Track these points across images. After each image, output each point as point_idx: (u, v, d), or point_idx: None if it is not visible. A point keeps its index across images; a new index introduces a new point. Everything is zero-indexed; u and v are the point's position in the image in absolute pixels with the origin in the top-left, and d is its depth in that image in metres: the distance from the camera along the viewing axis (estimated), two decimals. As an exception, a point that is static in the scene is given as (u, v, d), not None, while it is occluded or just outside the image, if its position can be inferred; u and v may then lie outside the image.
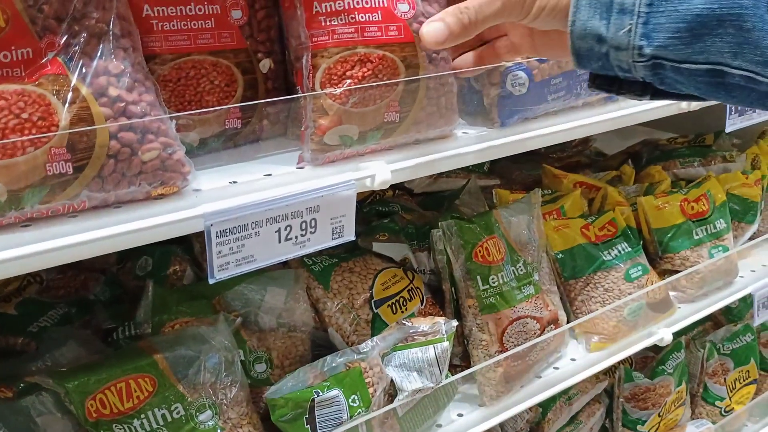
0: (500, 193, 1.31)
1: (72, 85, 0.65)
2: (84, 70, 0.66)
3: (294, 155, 0.85)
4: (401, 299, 1.06)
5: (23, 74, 0.64)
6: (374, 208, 1.30)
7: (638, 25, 0.67)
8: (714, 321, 1.73)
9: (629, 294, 1.25)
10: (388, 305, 1.05)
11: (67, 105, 0.64)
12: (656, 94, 0.75)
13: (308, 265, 1.05)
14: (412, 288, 1.09)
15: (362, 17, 0.81)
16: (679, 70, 0.67)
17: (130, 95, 0.68)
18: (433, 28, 0.75)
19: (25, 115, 0.62)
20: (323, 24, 0.80)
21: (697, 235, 1.38)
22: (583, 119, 1.01)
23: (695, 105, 1.14)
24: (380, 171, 0.82)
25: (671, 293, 1.38)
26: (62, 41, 0.66)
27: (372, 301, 1.05)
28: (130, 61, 0.69)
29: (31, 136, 0.62)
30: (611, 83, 0.76)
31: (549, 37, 0.79)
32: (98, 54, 0.67)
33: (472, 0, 0.74)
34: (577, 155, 1.75)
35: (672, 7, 0.65)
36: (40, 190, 0.63)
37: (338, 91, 0.79)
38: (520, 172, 1.55)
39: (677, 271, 1.38)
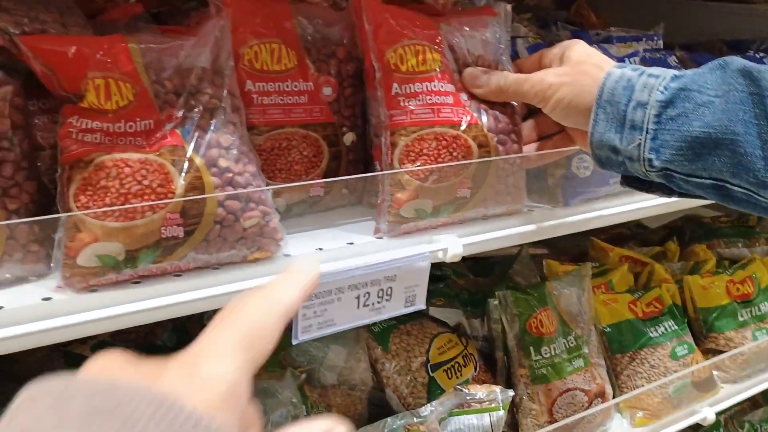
0: (550, 264, 1.34)
1: (188, 155, 0.71)
2: (198, 142, 0.72)
3: (370, 224, 0.90)
4: (456, 365, 1.09)
5: (144, 143, 0.71)
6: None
7: (647, 140, 0.74)
8: (752, 401, 1.72)
9: (675, 372, 1.27)
10: (444, 370, 1.08)
11: (183, 174, 0.70)
12: (682, 195, 0.80)
13: (369, 326, 1.09)
14: (466, 354, 1.12)
15: (438, 99, 0.87)
16: (687, 181, 0.74)
17: (236, 166, 0.74)
18: (474, 73, 0.88)
19: (146, 182, 0.68)
20: (402, 104, 0.86)
21: (741, 316, 1.40)
22: (641, 202, 1.05)
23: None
24: (452, 244, 0.87)
25: (714, 372, 1.39)
26: (180, 114, 0.73)
27: (428, 365, 1.08)
28: (238, 135, 0.75)
29: (151, 202, 0.67)
30: (641, 183, 0.82)
31: None
32: (211, 127, 0.73)
33: (512, 74, 0.87)
34: (619, 227, 1.78)
35: (676, 127, 0.72)
36: (154, 251, 0.69)
37: (419, 168, 0.85)
38: (567, 241, 1.59)
39: (721, 351, 1.39)
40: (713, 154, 0.71)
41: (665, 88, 0.74)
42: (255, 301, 0.36)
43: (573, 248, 1.57)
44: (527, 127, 0.94)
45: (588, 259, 1.52)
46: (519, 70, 0.91)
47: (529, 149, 0.94)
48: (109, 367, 0.33)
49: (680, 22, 1.60)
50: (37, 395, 0.30)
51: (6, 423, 0.29)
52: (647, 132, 0.74)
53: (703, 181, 0.73)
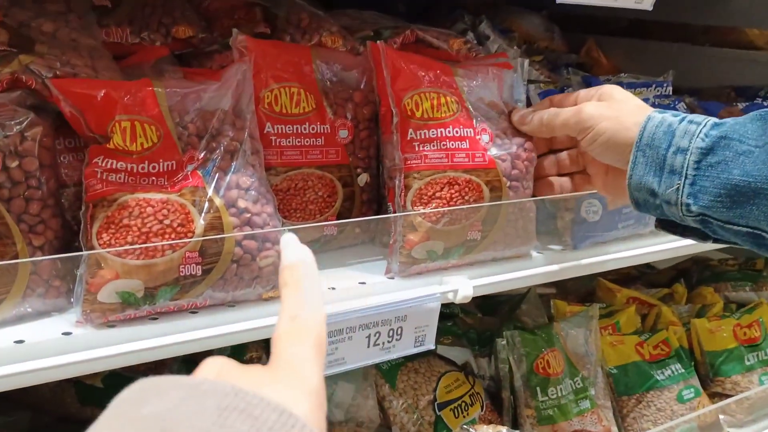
0: (557, 305, 1.35)
1: (208, 196, 0.73)
2: (219, 183, 0.74)
3: (381, 263, 0.92)
4: (463, 404, 1.10)
5: (166, 183, 0.73)
6: (435, 309, 1.35)
7: (686, 185, 0.76)
8: (759, 446, 1.71)
9: (681, 415, 1.27)
10: (451, 409, 1.09)
11: (203, 214, 0.72)
12: (717, 240, 0.81)
13: (377, 363, 1.10)
14: (473, 393, 1.13)
15: (452, 144, 0.89)
16: (724, 228, 0.75)
17: (255, 207, 0.76)
18: (521, 113, 0.92)
19: (167, 222, 0.70)
20: (416, 149, 0.88)
21: (748, 360, 1.40)
22: (651, 246, 1.06)
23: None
24: (463, 286, 0.88)
25: (721, 416, 1.39)
26: (201, 156, 0.75)
27: (435, 404, 1.09)
28: (257, 176, 0.78)
29: (172, 241, 0.69)
30: (675, 227, 0.83)
31: (618, 181, 0.87)
32: (231, 169, 0.76)
33: (554, 108, 0.89)
34: (626, 267, 1.79)
35: (715, 174, 0.74)
36: (173, 288, 0.71)
37: (431, 211, 0.87)
38: (574, 281, 1.60)
39: (727, 395, 1.39)
40: (751, 202, 0.72)
41: (706, 135, 0.75)
42: (310, 314, 0.40)
43: (580, 288, 1.58)
44: (549, 164, 0.96)
45: (595, 300, 1.53)
46: (553, 107, 0.92)
47: (548, 184, 0.95)
48: (225, 373, 0.37)
49: (687, 67, 1.62)
50: (164, 388, 0.33)
51: (133, 406, 0.33)
52: (686, 177, 0.75)
53: (740, 228, 0.74)
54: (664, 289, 1.60)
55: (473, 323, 1.28)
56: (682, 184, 0.76)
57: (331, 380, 1.04)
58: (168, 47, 0.90)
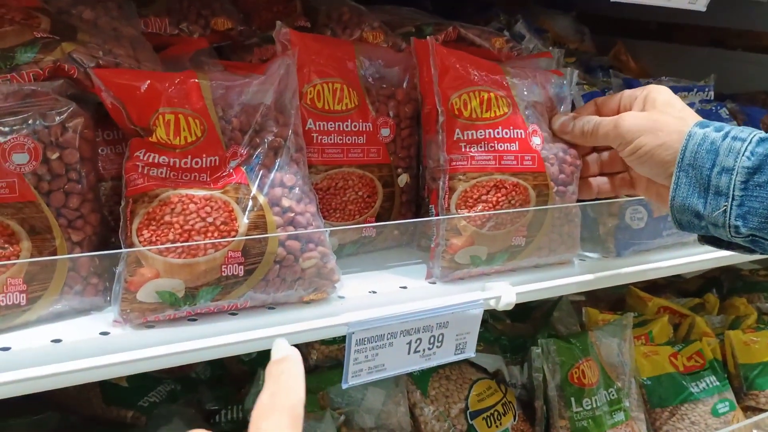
0: (590, 313, 1.32)
1: (252, 194, 0.70)
2: (263, 181, 0.71)
3: (420, 267, 0.89)
4: (495, 413, 1.07)
5: (208, 179, 0.70)
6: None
7: (733, 207, 0.72)
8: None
9: (715, 429, 1.24)
10: (483, 418, 1.06)
11: (247, 212, 0.69)
12: (765, 252, 0.78)
13: (409, 369, 1.07)
14: (505, 402, 1.10)
15: (501, 146, 0.86)
16: None
17: (298, 206, 0.73)
18: (562, 120, 0.89)
19: (210, 219, 0.68)
20: (463, 150, 0.85)
21: (784, 374, 1.37)
22: (697, 255, 1.03)
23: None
24: (506, 293, 0.85)
25: (754, 431, 1.35)
26: (245, 152, 0.72)
27: (467, 412, 1.06)
28: (301, 174, 0.75)
29: (215, 240, 0.67)
30: (719, 243, 0.79)
31: (662, 190, 0.83)
32: (275, 166, 0.73)
33: (595, 117, 0.85)
34: (655, 275, 1.76)
35: (765, 194, 0.70)
36: (214, 289, 0.68)
37: (477, 214, 0.83)
38: (604, 289, 1.56)
39: (761, 409, 1.36)
40: None
41: (752, 153, 0.71)
42: (289, 394, 0.42)
43: (610, 295, 1.55)
44: (592, 161, 0.92)
45: (625, 307, 1.50)
46: (597, 109, 0.90)
47: (586, 184, 0.92)
48: None
49: (718, 71, 1.59)
50: None
51: None
52: (733, 199, 0.72)
53: None
54: (695, 298, 1.56)
55: (504, 329, 1.25)
56: (729, 206, 0.72)
57: (361, 386, 1.01)
58: (207, 39, 0.87)
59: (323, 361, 1.08)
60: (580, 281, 0.93)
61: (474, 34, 1.03)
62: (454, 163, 0.85)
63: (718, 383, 1.28)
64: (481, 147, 0.85)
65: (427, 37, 0.96)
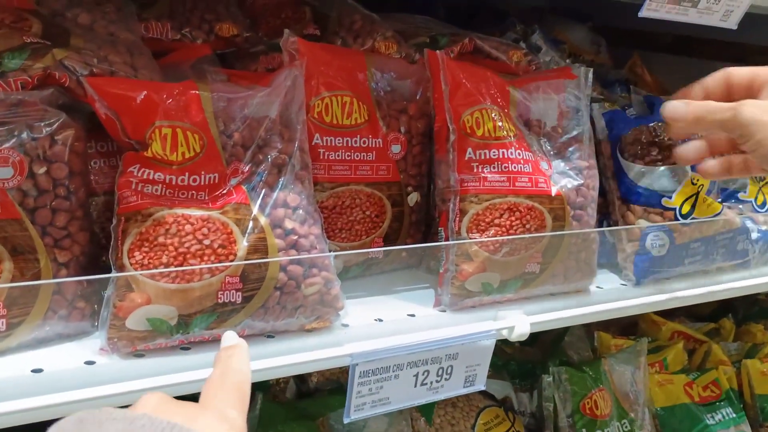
0: (602, 337, 1.27)
1: (253, 215, 0.65)
2: (265, 201, 0.67)
3: (429, 292, 0.85)
4: (503, 443, 1.02)
5: (207, 198, 0.66)
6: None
7: None
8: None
9: (731, 463, 1.19)
10: (490, 448, 1.01)
11: (246, 235, 0.64)
12: None
13: (413, 395, 1.02)
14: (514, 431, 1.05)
15: (514, 167, 0.81)
16: None
17: (302, 228, 0.68)
18: (674, 106, 0.77)
19: (207, 242, 0.63)
20: (474, 170, 0.80)
21: (802, 407, 1.32)
22: (718, 285, 0.98)
23: None
24: (520, 323, 0.80)
25: (770, 465, 1.30)
26: (246, 169, 0.68)
27: (474, 442, 1.01)
28: (306, 194, 0.70)
29: (212, 265, 0.62)
30: None
31: None
32: (279, 185, 0.68)
33: (712, 103, 0.75)
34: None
35: None
36: (209, 316, 0.63)
37: (489, 240, 0.79)
38: (615, 311, 1.51)
39: (778, 442, 1.30)
40: None
41: None
42: (237, 372, 0.47)
43: (622, 319, 1.49)
44: (693, 148, 0.83)
45: (637, 331, 1.45)
46: (706, 93, 0.81)
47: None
48: (160, 408, 0.41)
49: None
50: (101, 420, 0.37)
51: None
52: None
53: None
54: (710, 323, 1.51)
55: (512, 353, 1.20)
56: None
57: (363, 411, 0.96)
58: (210, 46, 0.83)
59: (324, 383, 1.03)
60: (597, 311, 0.88)
61: (491, 46, 0.98)
62: (466, 184, 0.80)
63: (734, 415, 1.23)
64: (494, 168, 0.81)
65: (441, 48, 0.92)
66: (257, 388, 0.99)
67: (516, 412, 1.11)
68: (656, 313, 1.48)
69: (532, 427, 1.11)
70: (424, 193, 0.89)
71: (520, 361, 1.16)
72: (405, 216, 0.86)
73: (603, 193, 0.99)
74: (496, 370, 1.13)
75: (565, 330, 1.24)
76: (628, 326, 1.46)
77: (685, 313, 1.63)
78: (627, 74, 1.80)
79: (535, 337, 1.31)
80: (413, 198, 0.87)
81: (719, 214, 0.95)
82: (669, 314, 1.54)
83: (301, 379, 1.07)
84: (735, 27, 0.88)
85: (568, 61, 1.37)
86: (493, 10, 1.61)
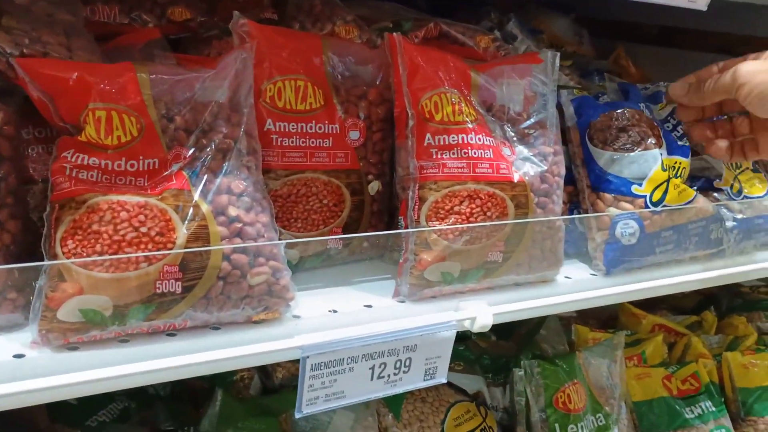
0: (579, 331, 1.25)
1: (194, 201, 0.63)
2: (207, 187, 0.64)
3: (390, 283, 0.82)
4: (473, 439, 1.00)
5: (146, 184, 0.63)
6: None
7: None
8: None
9: (710, 458, 1.16)
10: (460, 444, 0.99)
11: (186, 222, 0.62)
12: None
13: (380, 390, 1.00)
14: (485, 427, 1.02)
15: (475, 153, 0.79)
16: None
17: (247, 216, 0.66)
18: (680, 85, 0.92)
19: (144, 229, 0.60)
20: (434, 156, 0.78)
21: (784, 400, 1.29)
22: (692, 275, 0.95)
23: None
24: (482, 314, 0.78)
25: (751, 459, 1.28)
26: (189, 154, 0.65)
27: (443, 438, 0.98)
28: (252, 180, 0.68)
29: (148, 253, 0.59)
30: None
31: None
32: (223, 170, 0.66)
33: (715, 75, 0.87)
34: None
35: None
36: (146, 307, 0.60)
37: (449, 228, 0.76)
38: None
39: (760, 436, 1.28)
40: None
41: None
42: None
43: (602, 312, 1.47)
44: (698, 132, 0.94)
45: (618, 324, 1.42)
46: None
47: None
48: None
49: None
50: None
51: None
52: None
53: None
54: (692, 316, 1.48)
55: (487, 347, 1.17)
56: None
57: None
58: (161, 29, 0.80)
59: (289, 379, 1.01)
60: (565, 301, 0.85)
61: (457, 31, 0.96)
62: (425, 171, 0.78)
63: (714, 408, 1.21)
64: (453, 153, 0.78)
65: (406, 33, 0.90)
66: (217, 384, 0.96)
67: (488, 407, 1.08)
68: (637, 305, 1.45)
69: (505, 422, 1.09)
70: (387, 181, 0.87)
71: (493, 356, 1.13)
72: (366, 205, 0.84)
73: (573, 181, 0.97)
74: (468, 364, 1.10)
75: (541, 323, 1.22)
76: (608, 319, 1.44)
77: (668, 306, 1.61)
78: (612, 66, 1.78)
79: (511, 331, 1.29)
80: (374, 186, 0.84)
81: (693, 200, 0.93)
82: (651, 307, 1.51)
83: (266, 374, 1.04)
84: (704, 8, 0.85)
85: (543, 50, 1.34)
86: (476, 1, 1.58)
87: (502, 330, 1.32)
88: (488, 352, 1.14)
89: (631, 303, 1.44)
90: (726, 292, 1.65)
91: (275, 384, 1.01)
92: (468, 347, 1.14)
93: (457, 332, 1.16)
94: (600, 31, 1.87)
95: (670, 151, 0.95)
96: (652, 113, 0.99)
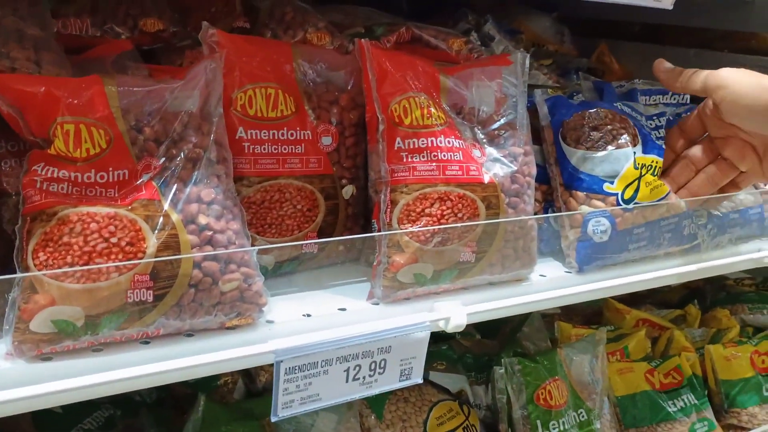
0: (562, 327, 1.26)
1: (164, 211, 0.64)
2: (177, 196, 0.65)
3: (365, 286, 0.83)
4: (456, 437, 1.01)
5: (117, 195, 0.64)
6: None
7: None
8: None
9: (693, 451, 1.18)
10: (442, 443, 1.00)
11: (156, 231, 0.63)
12: None
13: (362, 391, 1.01)
14: (467, 425, 1.03)
15: (444, 155, 0.80)
16: None
17: (218, 223, 0.67)
18: (666, 65, 0.97)
19: (114, 240, 0.61)
20: (404, 160, 0.79)
21: (767, 391, 1.30)
22: (666, 270, 0.96)
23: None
24: (455, 314, 0.79)
25: (736, 451, 1.29)
26: (159, 164, 0.66)
27: (425, 437, 0.99)
28: (222, 188, 0.69)
29: (118, 263, 0.60)
30: None
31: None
32: (192, 180, 0.67)
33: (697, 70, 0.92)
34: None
35: None
36: (119, 316, 0.62)
37: (420, 229, 0.77)
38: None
39: (743, 428, 1.29)
40: None
41: None
42: None
43: (586, 308, 1.48)
44: (681, 167, 0.96)
45: (602, 320, 1.44)
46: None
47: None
48: None
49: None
50: None
51: None
52: None
53: None
54: (676, 310, 1.50)
55: (470, 346, 1.18)
56: None
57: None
58: (134, 41, 0.81)
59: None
60: (539, 299, 0.86)
61: (429, 35, 0.97)
62: (396, 175, 0.79)
63: (696, 401, 1.22)
64: (423, 157, 0.79)
65: (378, 38, 0.91)
66: (200, 389, 0.97)
67: (471, 405, 1.09)
68: (622, 301, 1.46)
69: (488, 420, 1.10)
70: (361, 185, 0.88)
71: (476, 354, 1.15)
72: (340, 209, 0.85)
73: (547, 180, 0.98)
74: (451, 363, 1.11)
75: (523, 320, 1.23)
76: (592, 316, 1.45)
77: (654, 301, 1.62)
78: (595, 64, 1.79)
79: (496, 330, 1.30)
80: (348, 191, 0.85)
81: (666, 197, 0.94)
82: (635, 302, 1.52)
83: (250, 378, 1.05)
84: (670, 8, 0.86)
85: (513, 51, 1.36)
86: (458, 3, 1.59)
87: (486, 329, 1.33)
88: (471, 351, 1.15)
89: (615, 299, 1.45)
90: (711, 286, 1.66)
91: (259, 388, 1.02)
92: (451, 346, 1.15)
93: (441, 332, 1.18)
94: (583, 30, 1.89)
95: (647, 150, 0.96)
96: (633, 110, 1.00)
